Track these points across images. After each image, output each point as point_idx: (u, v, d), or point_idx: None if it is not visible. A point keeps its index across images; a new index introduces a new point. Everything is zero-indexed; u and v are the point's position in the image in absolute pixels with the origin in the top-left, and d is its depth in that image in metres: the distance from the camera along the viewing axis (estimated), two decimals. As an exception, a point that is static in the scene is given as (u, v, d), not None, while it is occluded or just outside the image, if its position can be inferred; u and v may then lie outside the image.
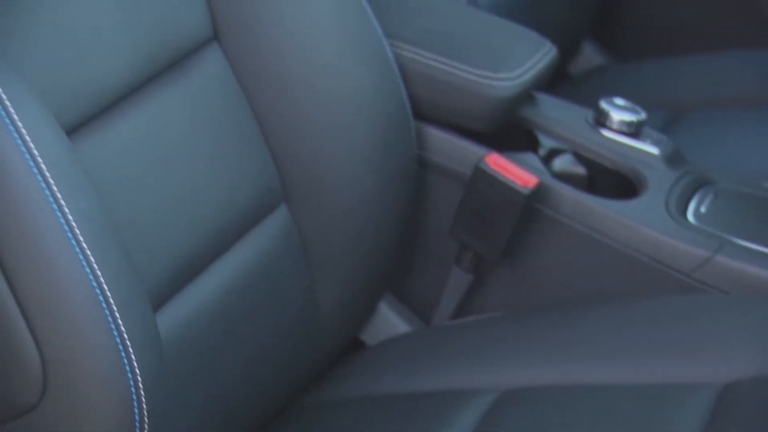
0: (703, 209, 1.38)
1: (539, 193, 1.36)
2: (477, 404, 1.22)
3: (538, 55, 1.44)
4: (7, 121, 0.96)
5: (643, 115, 1.44)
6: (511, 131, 1.45)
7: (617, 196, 1.38)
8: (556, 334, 1.30)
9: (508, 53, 1.43)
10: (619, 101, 1.46)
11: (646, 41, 2.07)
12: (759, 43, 1.95)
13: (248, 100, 1.26)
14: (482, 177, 1.35)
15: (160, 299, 1.12)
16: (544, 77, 1.44)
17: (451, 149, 1.41)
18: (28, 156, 0.96)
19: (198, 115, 1.20)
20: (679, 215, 1.36)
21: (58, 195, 0.96)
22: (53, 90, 1.05)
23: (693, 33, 2.03)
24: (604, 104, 1.45)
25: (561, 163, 1.43)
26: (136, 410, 0.99)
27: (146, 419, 1.00)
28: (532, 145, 1.45)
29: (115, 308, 0.98)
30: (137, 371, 0.99)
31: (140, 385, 0.99)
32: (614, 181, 1.42)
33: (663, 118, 1.72)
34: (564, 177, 1.40)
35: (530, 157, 1.41)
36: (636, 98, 1.50)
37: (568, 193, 1.37)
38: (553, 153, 1.44)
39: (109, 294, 0.98)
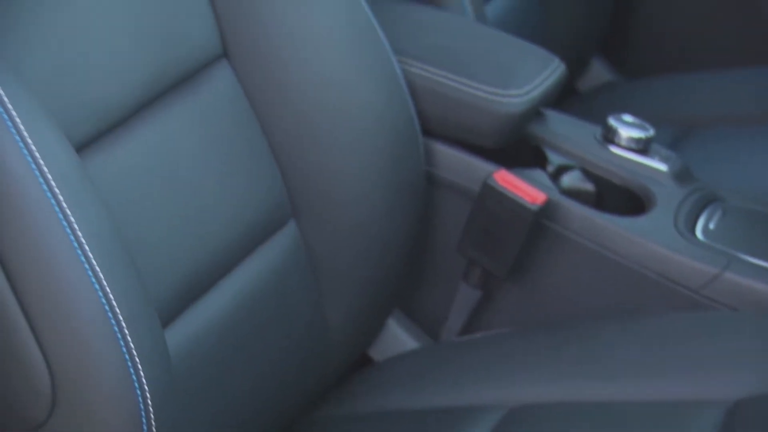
0: (711, 226, 1.38)
1: (547, 209, 1.36)
2: (485, 421, 1.21)
3: (546, 71, 1.44)
4: (18, 138, 0.96)
5: (651, 132, 1.44)
6: (519, 147, 1.45)
7: (625, 213, 1.38)
8: (564, 351, 1.30)
9: (517, 70, 1.43)
10: (628, 118, 1.46)
11: (654, 58, 2.07)
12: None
13: (257, 116, 1.26)
14: (490, 193, 1.35)
15: (169, 315, 1.13)
16: (552, 94, 1.44)
17: (460, 165, 1.41)
18: (38, 173, 0.96)
19: (207, 131, 1.20)
20: (688, 232, 1.36)
21: (68, 211, 0.97)
22: (63, 107, 1.06)
23: (702, 50, 2.03)
24: (612, 121, 1.45)
25: (569, 179, 1.43)
26: (144, 426, 0.99)
27: (155, 435, 1.00)
28: (541, 161, 1.45)
29: (123, 324, 0.98)
30: (146, 387, 0.99)
31: (149, 401, 0.99)
32: (622, 198, 1.42)
33: (671, 134, 1.72)
34: (572, 193, 1.40)
35: (538, 174, 1.41)
36: (644, 115, 1.50)
37: (576, 209, 1.37)
38: (561, 169, 1.44)
39: (117, 310, 0.98)
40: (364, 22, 1.31)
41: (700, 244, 1.35)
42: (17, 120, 0.97)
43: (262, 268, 1.24)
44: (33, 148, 0.97)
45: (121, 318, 0.98)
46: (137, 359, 0.98)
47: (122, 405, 0.98)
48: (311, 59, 1.26)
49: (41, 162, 0.97)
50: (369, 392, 1.35)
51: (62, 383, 0.97)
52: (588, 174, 1.43)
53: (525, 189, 1.35)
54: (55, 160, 0.98)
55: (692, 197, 1.41)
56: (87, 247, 0.97)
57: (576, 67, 1.96)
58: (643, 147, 1.43)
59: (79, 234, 0.97)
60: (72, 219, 0.97)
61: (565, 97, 1.63)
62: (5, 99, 0.97)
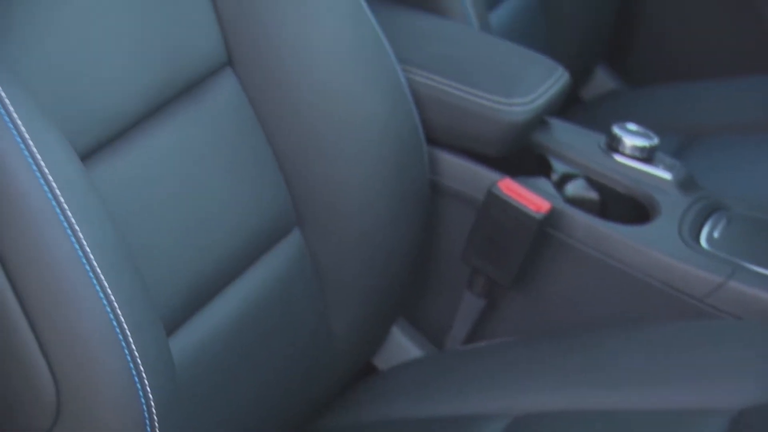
0: (716, 234, 1.38)
1: (552, 218, 1.36)
2: (489, 429, 1.21)
3: (550, 80, 1.44)
4: (23, 146, 0.97)
5: (655, 140, 1.44)
6: (523, 156, 1.45)
7: (630, 221, 1.38)
8: (568, 359, 1.30)
9: (521, 78, 1.43)
10: (632, 126, 1.46)
11: (658, 66, 2.07)
12: (771, 68, 1.96)
13: (262, 124, 1.26)
14: (495, 202, 1.35)
15: (173, 323, 1.13)
16: (556, 102, 1.44)
17: (464, 174, 1.41)
18: (42, 181, 0.96)
19: (212, 140, 1.20)
20: (692, 240, 1.36)
21: (73, 220, 0.97)
22: (67, 117, 1.06)
23: (706, 58, 2.03)
24: (616, 129, 1.45)
25: (573, 188, 1.43)
26: (149, 435, 0.99)
27: (159, 444, 1.00)
28: (545, 169, 1.45)
29: (128, 332, 0.98)
30: (150, 395, 0.99)
31: (153, 410, 0.99)
32: (627, 206, 1.42)
33: (676, 143, 1.72)
34: (576, 202, 1.40)
35: (543, 182, 1.41)
36: (648, 123, 1.50)
37: (580, 218, 1.37)
38: (565, 178, 1.44)
39: (122, 318, 0.98)
40: (369, 30, 1.31)
41: (704, 252, 1.35)
42: (23, 130, 0.97)
43: (267, 277, 1.24)
44: (38, 157, 0.97)
45: (125, 326, 0.98)
46: (142, 368, 0.98)
47: (127, 413, 0.98)
48: (316, 68, 1.26)
49: (46, 171, 0.97)
50: (373, 401, 1.35)
51: (67, 392, 0.97)
52: (592, 182, 1.43)
53: (529, 197, 1.35)
54: (60, 169, 0.98)
55: (697, 206, 1.41)
56: (92, 256, 0.97)
57: (580, 75, 1.96)
58: (647, 155, 1.43)
59: (84, 243, 0.97)
60: (77, 228, 0.97)
61: (569, 105, 1.64)
62: (12, 111, 0.97)
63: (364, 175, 1.29)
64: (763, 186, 1.64)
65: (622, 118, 1.49)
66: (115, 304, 0.98)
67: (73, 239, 0.96)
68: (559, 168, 1.44)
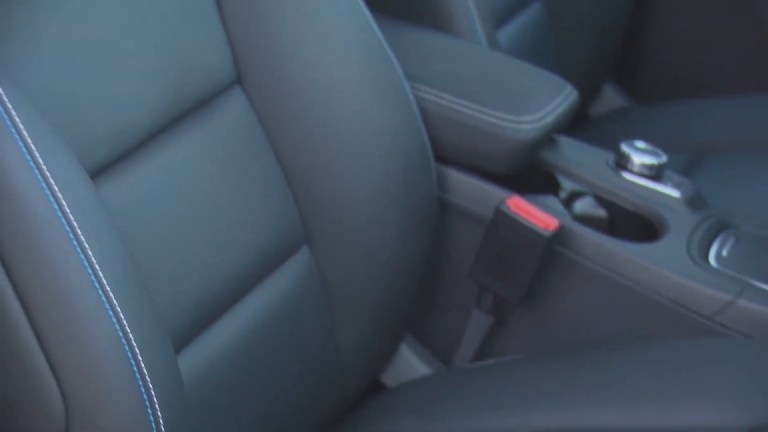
0: (724, 253, 1.38)
1: (560, 235, 1.36)
2: (498, 447, 1.21)
3: (559, 98, 1.44)
4: (33, 165, 0.97)
5: (664, 158, 1.44)
6: (531, 174, 1.45)
7: (638, 239, 1.38)
8: (577, 378, 1.30)
9: (530, 96, 1.44)
10: (640, 144, 1.46)
11: (666, 84, 2.07)
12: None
13: (271, 142, 1.26)
14: (503, 219, 1.35)
15: (182, 340, 1.13)
16: (565, 120, 1.45)
17: (472, 191, 1.41)
18: (52, 199, 0.97)
19: (221, 157, 1.20)
20: (701, 258, 1.36)
21: (82, 238, 0.97)
22: (77, 135, 1.06)
23: (714, 75, 2.03)
24: (624, 147, 1.45)
25: (582, 205, 1.43)
26: (157, 452, 0.99)
27: (168, 460, 1.00)
28: (553, 187, 1.45)
29: (137, 349, 0.98)
30: (159, 413, 0.99)
31: (162, 427, 0.99)
32: (635, 224, 1.42)
33: (684, 161, 1.72)
34: (585, 220, 1.40)
35: (551, 200, 1.41)
36: (657, 141, 1.50)
37: (588, 235, 1.37)
38: (573, 195, 1.44)
39: (131, 335, 0.98)
40: (377, 48, 1.31)
41: (713, 270, 1.35)
42: (33, 148, 0.97)
43: (276, 294, 1.24)
44: (48, 174, 0.97)
45: (134, 343, 0.98)
46: (150, 385, 0.98)
47: (135, 430, 0.98)
48: (325, 86, 1.26)
49: (56, 188, 0.97)
50: (381, 418, 1.35)
51: (75, 408, 0.97)
52: (600, 200, 1.43)
53: (537, 215, 1.35)
54: (70, 186, 0.98)
55: (705, 224, 1.41)
56: (101, 273, 0.97)
57: (588, 93, 1.97)
58: (655, 173, 1.43)
59: (93, 260, 0.97)
60: (86, 245, 0.97)
61: (577, 123, 1.64)
62: (23, 130, 0.97)
63: (372, 192, 1.29)
64: (771, 204, 1.64)
65: (631, 136, 1.49)
66: (124, 321, 0.98)
67: (82, 256, 0.97)
68: (567, 185, 1.44)
